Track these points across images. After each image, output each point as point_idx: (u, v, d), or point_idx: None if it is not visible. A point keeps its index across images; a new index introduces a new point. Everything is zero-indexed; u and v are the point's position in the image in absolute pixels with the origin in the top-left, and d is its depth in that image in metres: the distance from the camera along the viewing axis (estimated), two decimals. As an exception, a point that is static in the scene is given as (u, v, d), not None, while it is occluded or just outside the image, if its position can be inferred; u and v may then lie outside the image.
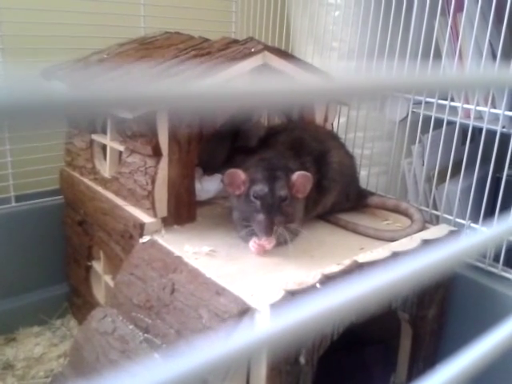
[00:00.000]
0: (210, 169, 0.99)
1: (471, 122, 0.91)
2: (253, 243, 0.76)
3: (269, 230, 0.73)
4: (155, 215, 0.81)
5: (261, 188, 0.75)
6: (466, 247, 0.23)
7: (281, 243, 0.77)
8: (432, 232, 0.83)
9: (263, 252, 0.76)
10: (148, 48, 0.95)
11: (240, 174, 0.77)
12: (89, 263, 1.01)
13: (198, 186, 0.89)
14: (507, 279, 0.87)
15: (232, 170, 0.77)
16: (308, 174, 0.77)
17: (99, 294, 1.00)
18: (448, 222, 0.93)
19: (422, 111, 0.99)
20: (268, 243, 0.75)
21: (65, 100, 0.14)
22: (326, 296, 0.17)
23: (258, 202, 0.75)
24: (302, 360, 0.65)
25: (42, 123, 0.14)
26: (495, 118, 0.92)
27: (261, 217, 0.74)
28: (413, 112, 1.02)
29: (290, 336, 0.16)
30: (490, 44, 0.96)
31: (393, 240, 0.81)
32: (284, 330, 0.16)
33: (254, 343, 0.16)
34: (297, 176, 0.77)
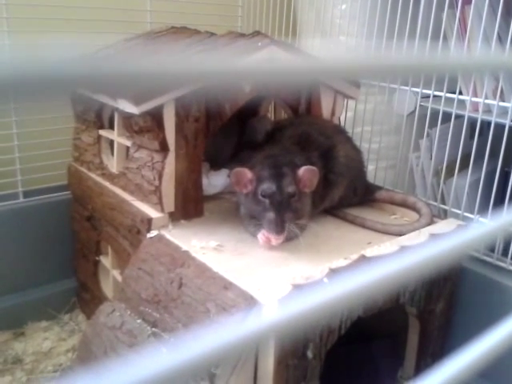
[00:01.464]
0: (217, 164, 0.99)
1: (479, 116, 0.91)
2: (261, 235, 0.76)
3: (280, 228, 0.73)
4: (162, 210, 0.82)
5: (268, 186, 0.75)
6: (471, 238, 0.22)
7: (291, 238, 0.77)
8: (440, 226, 0.82)
9: (270, 245, 0.76)
10: (155, 43, 0.95)
11: (247, 173, 0.77)
12: (97, 258, 1.01)
13: (205, 180, 0.89)
14: (516, 273, 0.87)
15: (238, 169, 0.77)
16: (314, 168, 0.77)
17: (107, 288, 1.01)
18: (456, 216, 0.92)
19: (429, 105, 0.98)
20: (276, 239, 0.75)
21: (82, 70, 0.14)
22: (332, 285, 0.17)
23: (266, 201, 0.74)
24: (310, 354, 0.65)
25: (56, 94, 0.14)
26: (504, 111, 0.91)
27: (271, 215, 0.73)
28: (421, 106, 1.01)
29: (296, 324, 0.16)
30: (499, 37, 0.96)
31: (401, 234, 0.80)
32: (291, 317, 0.16)
33: (262, 330, 0.16)
34: (303, 171, 0.77)
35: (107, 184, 0.94)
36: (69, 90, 0.14)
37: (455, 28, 0.98)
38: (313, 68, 0.18)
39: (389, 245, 0.74)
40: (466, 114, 0.93)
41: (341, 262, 0.67)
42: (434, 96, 0.97)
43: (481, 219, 0.90)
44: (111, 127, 0.94)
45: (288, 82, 0.18)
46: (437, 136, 0.98)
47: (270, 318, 0.16)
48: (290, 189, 0.75)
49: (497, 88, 0.91)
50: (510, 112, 0.86)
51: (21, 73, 0.13)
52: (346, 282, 0.18)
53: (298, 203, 0.76)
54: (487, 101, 0.91)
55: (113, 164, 0.94)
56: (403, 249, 0.73)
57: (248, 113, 1.04)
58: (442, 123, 0.97)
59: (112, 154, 0.96)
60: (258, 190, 0.75)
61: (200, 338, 0.16)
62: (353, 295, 0.17)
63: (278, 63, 0.17)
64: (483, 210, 0.90)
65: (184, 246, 0.74)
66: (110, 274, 0.97)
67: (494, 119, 0.88)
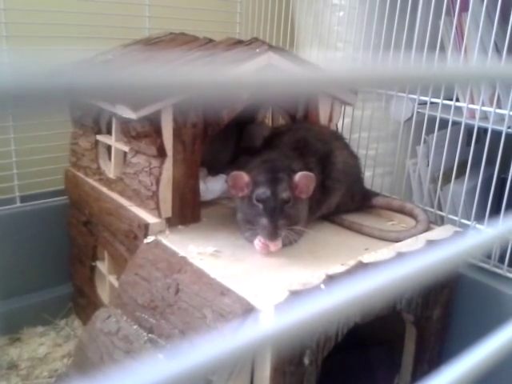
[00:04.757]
0: (214, 169, 0.99)
1: (476, 123, 0.91)
2: (258, 241, 0.76)
3: (273, 235, 0.73)
4: (160, 215, 0.82)
5: (263, 191, 0.75)
6: (469, 246, 0.23)
7: (286, 245, 0.77)
8: (437, 233, 0.82)
9: (268, 251, 0.76)
10: (153, 49, 0.95)
11: (243, 176, 0.77)
12: (93, 263, 1.01)
13: (202, 186, 0.89)
14: (513, 280, 0.87)
15: (235, 173, 0.77)
16: (311, 174, 0.77)
17: (104, 294, 1.00)
18: (453, 222, 0.92)
19: (427, 111, 0.98)
20: (273, 246, 0.75)
21: (77, 83, 0.14)
22: (329, 293, 0.17)
23: (260, 206, 0.75)
24: (306, 361, 0.64)
25: (53, 107, 0.14)
26: (501, 118, 0.92)
27: (264, 221, 0.73)
28: (418, 112, 1.01)
29: (293, 332, 0.16)
30: (495, 44, 0.96)
31: (398, 240, 0.80)
32: (288, 326, 0.16)
33: (258, 339, 0.16)
34: (299, 177, 0.77)
35: (104, 189, 0.94)
36: (66, 98, 0.14)
37: (452, 34, 0.98)
38: (311, 79, 0.18)
39: (386, 251, 0.74)
40: (463, 120, 0.93)
41: (338, 268, 0.67)
42: (431, 103, 0.97)
43: (477, 226, 0.90)
44: (109, 132, 0.94)
45: (285, 92, 0.18)
46: (434, 143, 0.98)
47: (267, 325, 0.16)
48: (285, 195, 0.75)
49: (493, 95, 0.91)
50: (506, 119, 0.87)
51: (19, 80, 0.13)
52: (343, 289, 0.18)
53: (292, 210, 0.76)
54: (484, 108, 0.92)
55: (110, 169, 0.94)
56: (400, 255, 0.73)
57: (246, 119, 1.04)
58: (438, 130, 0.97)
59: (109, 159, 0.96)
60: (254, 194, 0.76)
61: (197, 346, 0.16)
62: (350, 303, 0.17)
63: (275, 74, 0.17)
64: (480, 216, 0.91)
65: (181, 252, 0.74)
66: (107, 280, 0.97)
67: (490, 126, 0.89)
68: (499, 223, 0.26)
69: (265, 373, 0.61)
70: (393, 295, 0.19)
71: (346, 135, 1.01)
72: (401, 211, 0.91)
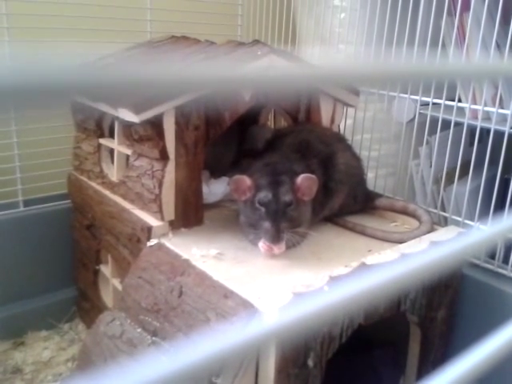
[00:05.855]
0: (217, 172, 0.99)
1: (479, 123, 0.91)
2: (262, 244, 0.76)
3: (276, 238, 0.73)
4: (163, 218, 0.82)
5: (265, 195, 0.75)
6: (471, 244, 0.22)
7: (289, 247, 0.77)
8: (440, 234, 0.82)
9: (272, 254, 0.76)
10: (155, 52, 0.96)
11: (245, 180, 0.77)
12: (97, 267, 1.01)
13: (205, 189, 0.89)
14: (517, 281, 0.86)
15: (237, 177, 0.77)
16: (313, 176, 0.77)
17: (107, 297, 1.00)
18: (456, 223, 0.92)
19: (429, 112, 0.98)
20: (277, 248, 0.75)
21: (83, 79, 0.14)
22: (332, 291, 0.17)
23: (263, 209, 0.74)
24: (311, 363, 0.64)
25: (56, 103, 0.14)
26: (503, 118, 0.92)
27: (267, 224, 0.73)
28: (420, 113, 1.01)
29: (297, 330, 0.16)
30: (497, 44, 0.96)
31: (401, 242, 0.80)
32: (291, 324, 0.16)
33: (262, 336, 0.15)
34: (301, 179, 0.76)
35: (107, 193, 0.94)
36: (69, 99, 0.14)
37: (454, 35, 0.98)
38: (312, 75, 0.18)
39: (389, 252, 0.74)
40: (466, 121, 0.93)
41: (341, 270, 0.67)
42: (433, 103, 0.97)
43: (481, 226, 0.90)
44: (111, 136, 0.94)
45: (287, 89, 0.18)
46: (436, 143, 0.98)
47: (271, 324, 0.16)
48: (287, 198, 0.75)
49: (496, 95, 0.91)
50: (509, 119, 0.86)
51: (21, 82, 0.13)
52: (346, 288, 0.18)
53: (294, 212, 0.76)
54: (486, 108, 0.92)
55: (113, 173, 0.94)
56: (404, 256, 0.73)
57: (248, 121, 1.04)
58: (441, 130, 0.97)
59: (112, 162, 0.96)
60: (256, 197, 0.75)
61: (200, 346, 0.16)
62: (353, 301, 0.17)
63: (276, 70, 0.17)
64: (483, 217, 0.90)
65: (184, 255, 0.74)
66: (110, 283, 0.97)
67: (493, 126, 0.88)
68: (502, 221, 0.26)
69: (269, 375, 0.61)
70: (396, 293, 0.19)
71: (348, 137, 1.01)
72: (404, 212, 0.91)
